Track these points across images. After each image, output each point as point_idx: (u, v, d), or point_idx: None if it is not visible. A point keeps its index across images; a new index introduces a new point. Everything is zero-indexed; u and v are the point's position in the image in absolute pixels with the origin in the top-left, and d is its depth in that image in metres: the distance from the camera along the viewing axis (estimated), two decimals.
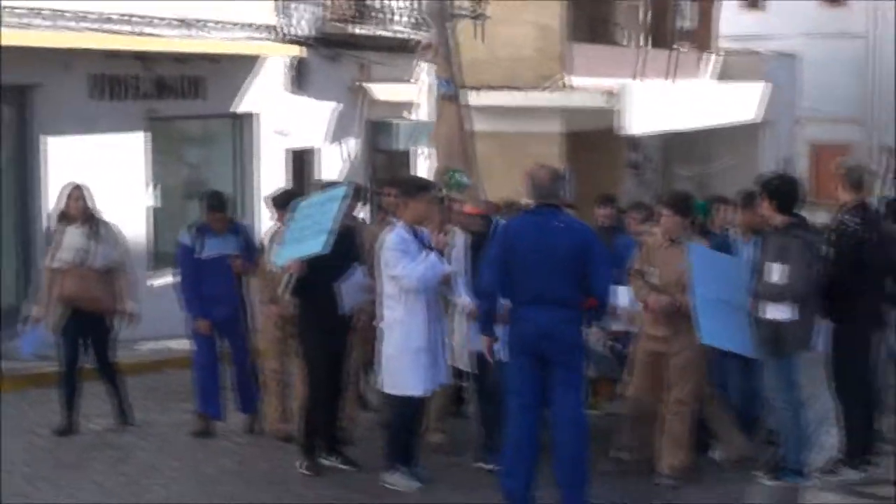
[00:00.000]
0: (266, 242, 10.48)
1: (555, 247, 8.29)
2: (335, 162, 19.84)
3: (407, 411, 9.01)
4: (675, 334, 9.07)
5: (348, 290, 9.32)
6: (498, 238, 8.59)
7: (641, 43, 29.82)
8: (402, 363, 8.88)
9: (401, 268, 8.79)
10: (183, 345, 11.60)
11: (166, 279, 12.92)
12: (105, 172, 14.49)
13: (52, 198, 13.77)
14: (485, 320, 8.63)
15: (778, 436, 9.32)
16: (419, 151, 21.81)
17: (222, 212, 10.68)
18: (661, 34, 30.79)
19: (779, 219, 8.91)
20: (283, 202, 10.32)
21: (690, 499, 8.80)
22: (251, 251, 10.66)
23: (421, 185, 9.51)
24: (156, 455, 10.01)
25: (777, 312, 8.71)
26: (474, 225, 9.55)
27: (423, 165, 21.58)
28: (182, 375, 11.84)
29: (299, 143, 18.88)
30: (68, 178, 13.99)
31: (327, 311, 9.21)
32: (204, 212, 10.69)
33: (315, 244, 9.08)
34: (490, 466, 9.25)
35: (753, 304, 8.84)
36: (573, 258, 8.29)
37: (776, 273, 8.71)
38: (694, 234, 9.49)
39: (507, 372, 8.62)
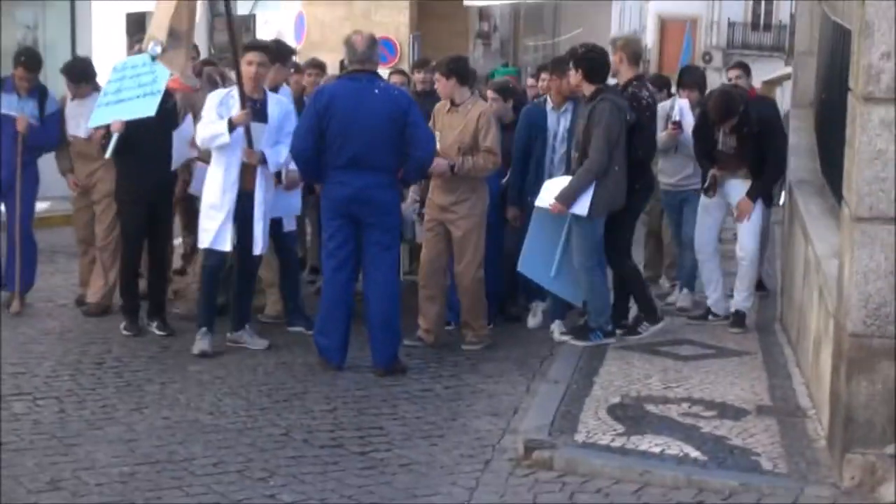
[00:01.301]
0: (67, 113, 10.29)
1: (371, 112, 8.44)
2: None
3: (204, 265, 9.14)
4: (457, 203, 9.27)
5: (178, 143, 9.44)
6: (313, 103, 8.70)
7: None
8: (201, 215, 9.03)
9: (201, 124, 8.94)
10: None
11: None
12: None
13: None
14: (312, 177, 8.90)
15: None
16: (262, 17, 21.61)
17: (33, 72, 10.22)
18: None
19: (588, 88, 9.18)
20: (78, 75, 10.21)
21: (494, 362, 9.13)
22: (49, 121, 10.22)
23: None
24: None
25: (581, 207, 9.04)
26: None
27: (264, 30, 21.38)
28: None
29: (137, 6, 18.54)
30: None
31: (145, 175, 9.36)
32: (13, 67, 10.25)
33: (146, 106, 9.17)
34: (298, 329, 9.55)
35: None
36: (390, 123, 8.48)
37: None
38: (472, 94, 9.50)
39: (323, 237, 8.86)
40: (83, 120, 9.91)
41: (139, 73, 9.37)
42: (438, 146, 9.23)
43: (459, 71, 9.31)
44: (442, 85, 9.33)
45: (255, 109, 8.93)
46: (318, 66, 11.40)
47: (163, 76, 9.25)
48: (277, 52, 9.88)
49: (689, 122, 10.56)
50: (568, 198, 9.02)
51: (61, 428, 7.31)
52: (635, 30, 36.91)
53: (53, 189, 11.02)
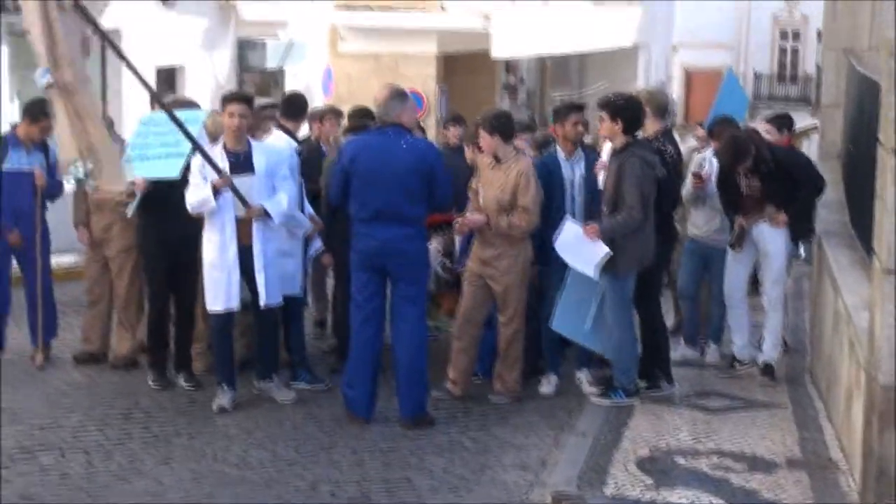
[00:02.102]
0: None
1: (397, 165, 8.48)
2: (203, 80, 19.70)
3: (213, 327, 9.06)
4: (498, 257, 9.23)
5: None
6: (340, 156, 8.75)
7: None
8: (203, 278, 8.96)
9: (188, 188, 8.82)
10: None
11: None
12: None
13: None
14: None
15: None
16: (290, 71, 21.81)
17: (46, 123, 9.93)
18: None
19: (621, 139, 9.13)
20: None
21: (521, 414, 9.06)
22: (53, 171, 10.12)
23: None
24: None
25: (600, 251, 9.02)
26: None
27: (294, 84, 21.54)
28: None
29: (167, 61, 18.71)
30: None
31: (169, 229, 9.30)
32: (23, 120, 10.11)
33: (169, 168, 9.11)
34: (301, 385, 9.49)
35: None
36: (416, 176, 8.51)
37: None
38: (515, 150, 9.44)
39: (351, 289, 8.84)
40: None
41: (163, 131, 9.30)
42: (481, 200, 9.25)
43: (503, 128, 9.27)
44: (485, 141, 9.29)
45: (239, 162, 8.80)
46: (335, 113, 11.36)
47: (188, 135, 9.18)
48: (297, 107, 9.93)
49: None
50: (606, 232, 8.94)
51: (89, 481, 7.30)
52: (661, 81, 36.88)
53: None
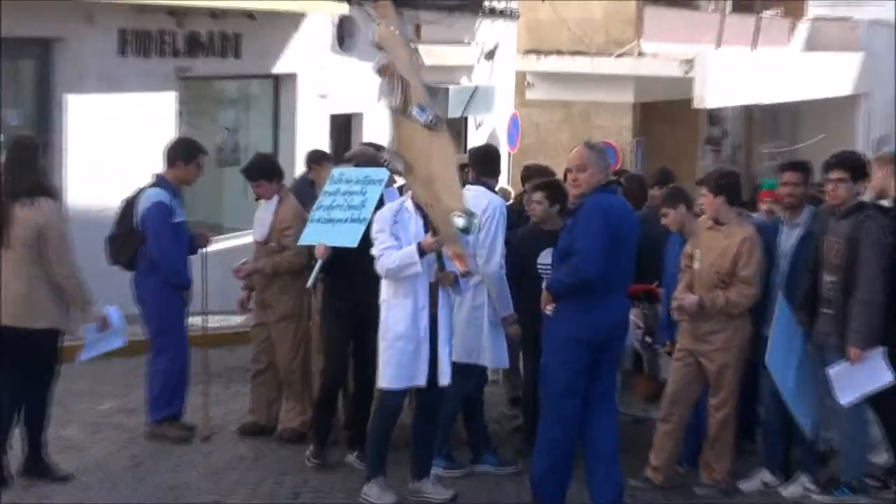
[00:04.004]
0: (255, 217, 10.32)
1: (634, 231, 8.36)
2: (380, 127, 19.82)
3: (383, 406, 8.62)
4: (712, 333, 8.95)
5: None
6: (605, 220, 8.11)
7: (723, 7, 29.49)
8: (382, 350, 8.46)
9: (377, 248, 8.42)
10: None
11: None
12: (132, 134, 14.62)
13: (71, 160, 13.93)
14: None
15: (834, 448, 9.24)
16: (474, 119, 21.83)
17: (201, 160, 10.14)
18: None
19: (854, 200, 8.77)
20: (252, 173, 10.21)
21: None
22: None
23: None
24: (159, 444, 9.84)
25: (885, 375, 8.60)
26: None
27: (477, 133, 21.59)
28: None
29: (343, 107, 18.91)
30: (90, 140, 14.31)
31: (352, 296, 9.20)
32: (174, 164, 9.96)
33: (349, 236, 9.08)
34: (487, 468, 9.40)
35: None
36: (636, 242, 8.39)
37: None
38: (740, 214, 9.20)
39: (561, 372, 8.24)
40: (259, 224, 10.10)
41: (351, 191, 9.31)
42: (696, 265, 9.03)
43: (730, 189, 9.03)
44: (708, 202, 9.05)
45: (428, 221, 8.49)
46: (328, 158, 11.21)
47: (372, 199, 9.12)
48: (492, 161, 9.92)
49: None
50: (865, 343, 8.55)
51: None
52: (884, 134, 35.95)
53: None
